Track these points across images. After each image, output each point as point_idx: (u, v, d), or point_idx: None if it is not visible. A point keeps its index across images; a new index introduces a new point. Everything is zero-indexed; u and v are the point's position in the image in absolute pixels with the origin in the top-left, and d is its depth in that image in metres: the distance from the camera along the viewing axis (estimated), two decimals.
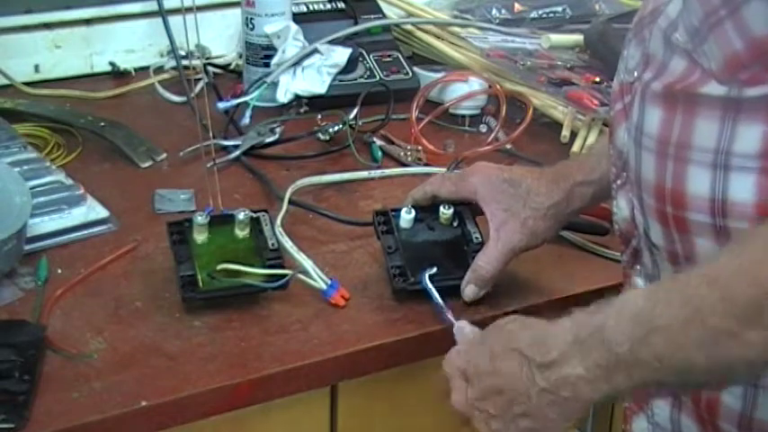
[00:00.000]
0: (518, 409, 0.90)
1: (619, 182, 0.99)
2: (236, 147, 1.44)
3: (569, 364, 0.86)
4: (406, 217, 1.17)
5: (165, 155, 1.44)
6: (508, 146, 1.48)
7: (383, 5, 1.76)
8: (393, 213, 1.18)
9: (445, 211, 1.17)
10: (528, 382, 0.89)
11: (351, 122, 1.43)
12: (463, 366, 0.96)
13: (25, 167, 1.32)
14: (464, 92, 1.56)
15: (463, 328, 1.05)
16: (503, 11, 1.79)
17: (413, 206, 1.18)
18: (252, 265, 1.12)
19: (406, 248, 1.15)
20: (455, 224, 1.18)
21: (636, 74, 0.95)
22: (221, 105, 1.52)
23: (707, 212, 0.86)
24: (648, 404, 1.01)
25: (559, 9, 1.82)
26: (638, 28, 0.97)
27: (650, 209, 0.92)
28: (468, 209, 1.18)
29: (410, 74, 1.65)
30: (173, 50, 1.64)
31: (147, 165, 1.42)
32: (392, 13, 1.78)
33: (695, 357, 0.80)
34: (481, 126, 1.55)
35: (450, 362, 0.99)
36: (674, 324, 0.80)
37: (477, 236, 1.16)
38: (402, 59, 1.68)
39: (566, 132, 1.49)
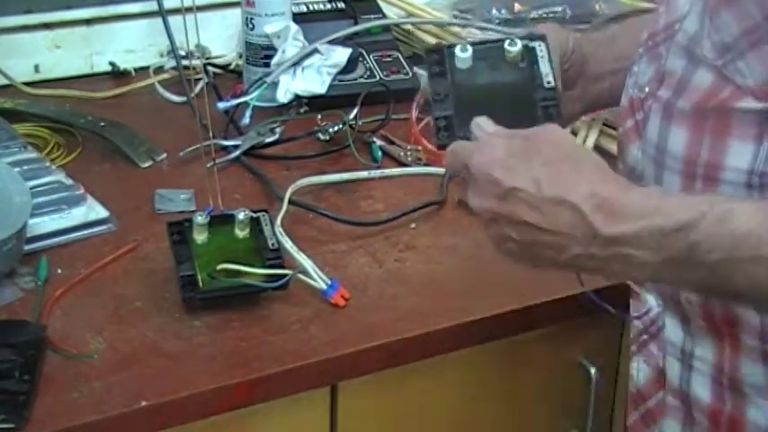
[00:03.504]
0: (550, 254, 0.85)
1: None
2: (236, 147, 1.44)
3: (638, 248, 0.81)
4: (462, 55, 0.96)
5: (165, 155, 1.44)
6: None
7: (383, 5, 1.76)
8: (448, 51, 0.97)
9: (511, 48, 0.95)
10: (575, 241, 0.83)
11: (351, 122, 1.43)
12: (495, 176, 0.85)
13: (25, 167, 1.31)
14: None
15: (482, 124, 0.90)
16: (503, 11, 1.79)
17: (472, 44, 0.97)
18: (252, 265, 1.12)
19: (458, 94, 0.96)
20: (523, 64, 0.96)
21: (648, 90, 0.93)
22: (221, 105, 1.51)
23: None
24: (657, 423, 1.01)
25: (559, 9, 1.82)
26: (650, 44, 0.95)
27: None
28: (543, 44, 0.96)
29: (410, 74, 1.65)
30: (173, 50, 1.64)
31: (147, 165, 1.42)
32: (392, 13, 1.78)
33: None
34: None
35: (484, 159, 0.87)
36: None
37: (550, 79, 0.95)
38: (402, 59, 1.68)
39: None
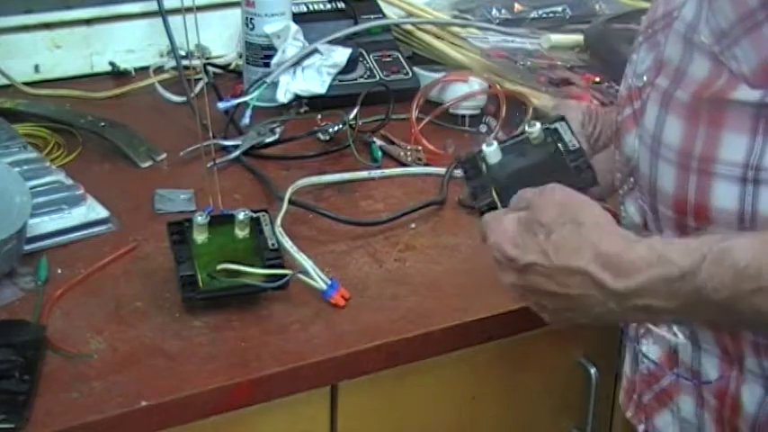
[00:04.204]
0: (578, 316, 0.87)
1: (625, 187, 0.99)
2: (236, 147, 1.44)
3: (651, 297, 0.83)
4: (490, 150, 1.02)
5: (165, 155, 1.44)
6: None
7: (383, 5, 1.76)
8: (478, 155, 1.04)
9: (531, 130, 1.02)
10: (595, 301, 0.85)
11: (351, 122, 1.43)
12: (511, 255, 0.89)
13: (25, 167, 1.32)
14: (464, 92, 1.56)
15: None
16: (503, 11, 1.79)
17: (497, 139, 1.04)
18: (252, 265, 1.12)
19: (496, 183, 1.01)
20: (549, 142, 1.03)
21: (646, 78, 0.94)
22: (221, 105, 1.52)
23: (734, 226, 0.85)
24: (673, 400, 1.01)
25: (559, 9, 1.82)
26: (649, 32, 0.96)
27: (668, 220, 0.91)
28: (563, 122, 1.03)
29: (410, 74, 1.65)
30: (173, 50, 1.64)
31: (147, 165, 1.42)
32: (392, 13, 1.78)
33: None
34: (481, 126, 1.55)
35: (499, 241, 0.90)
36: None
37: (575, 143, 1.01)
38: (402, 59, 1.68)
39: None
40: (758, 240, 0.81)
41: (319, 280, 1.16)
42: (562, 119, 1.03)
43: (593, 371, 1.26)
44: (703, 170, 0.86)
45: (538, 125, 1.01)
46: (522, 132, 1.03)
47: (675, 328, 0.98)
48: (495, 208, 0.99)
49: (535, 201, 0.90)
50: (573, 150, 1.00)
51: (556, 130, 1.02)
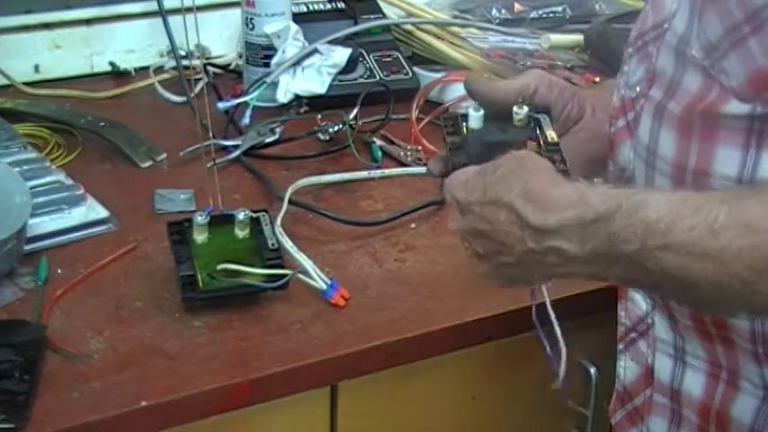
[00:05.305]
0: (503, 259, 0.88)
1: None
2: (236, 147, 1.44)
3: (566, 240, 0.83)
4: (475, 115, 1.04)
5: (164, 155, 1.44)
6: None
7: (383, 5, 1.76)
8: (461, 116, 1.06)
9: (519, 111, 1.04)
10: (515, 238, 0.86)
11: (351, 122, 1.43)
12: (458, 197, 0.91)
13: (25, 167, 1.32)
14: (464, 92, 1.55)
15: None
16: (503, 11, 1.79)
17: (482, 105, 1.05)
18: (252, 265, 1.12)
19: (473, 146, 1.02)
20: (531, 125, 1.04)
21: (639, 89, 0.93)
22: (221, 105, 1.52)
23: None
24: (643, 421, 1.01)
25: (559, 9, 1.82)
26: (639, 44, 0.95)
27: None
28: (547, 116, 1.05)
29: (410, 74, 1.65)
30: (173, 50, 1.64)
31: (147, 165, 1.42)
32: (392, 13, 1.78)
33: (702, 287, 0.79)
34: None
35: (451, 185, 0.93)
36: (693, 251, 0.78)
37: (554, 137, 1.02)
38: (402, 59, 1.68)
39: None
40: (675, 198, 0.81)
41: (319, 280, 1.16)
42: (546, 111, 1.04)
43: (593, 371, 1.26)
44: (698, 183, 0.86)
45: (526, 109, 1.03)
46: (509, 111, 1.04)
47: (658, 340, 0.98)
48: (469, 164, 0.99)
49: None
50: (552, 143, 1.01)
51: (538, 120, 1.03)
